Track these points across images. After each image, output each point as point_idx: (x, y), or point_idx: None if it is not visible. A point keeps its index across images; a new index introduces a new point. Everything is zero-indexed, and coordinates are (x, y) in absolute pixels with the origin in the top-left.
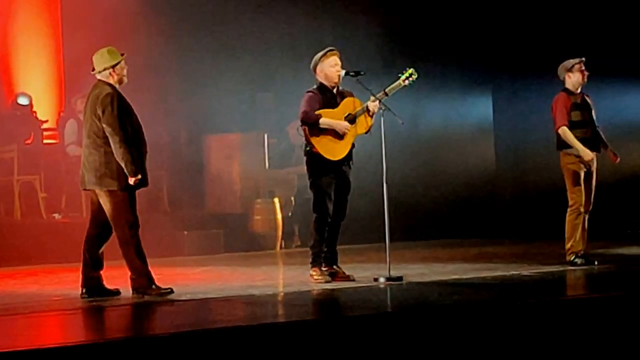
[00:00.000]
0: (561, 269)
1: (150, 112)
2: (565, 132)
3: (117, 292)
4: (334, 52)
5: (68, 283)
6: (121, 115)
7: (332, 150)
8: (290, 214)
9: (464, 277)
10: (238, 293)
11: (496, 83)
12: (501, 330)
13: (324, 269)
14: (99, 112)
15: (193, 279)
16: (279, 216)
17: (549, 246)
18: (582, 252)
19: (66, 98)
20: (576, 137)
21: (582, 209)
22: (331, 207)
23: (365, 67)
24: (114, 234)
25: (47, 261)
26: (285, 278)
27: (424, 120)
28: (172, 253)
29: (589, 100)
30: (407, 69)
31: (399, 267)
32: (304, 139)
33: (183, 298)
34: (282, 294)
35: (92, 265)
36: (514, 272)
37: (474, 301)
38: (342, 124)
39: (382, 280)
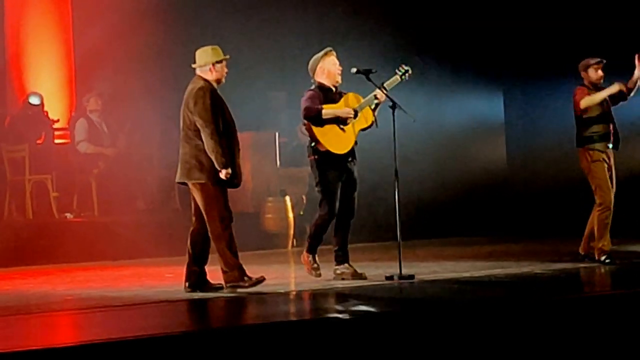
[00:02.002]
0: (573, 266)
1: (161, 110)
2: (586, 101)
3: (220, 287)
4: (333, 51)
5: (80, 282)
6: (214, 109)
7: (338, 144)
8: (301, 213)
9: (476, 275)
10: (249, 291)
11: (507, 81)
12: (514, 328)
13: (337, 266)
14: (191, 104)
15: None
16: (291, 215)
17: (560, 243)
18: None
19: (77, 97)
20: (595, 132)
21: (610, 208)
22: (337, 206)
23: (377, 66)
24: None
25: (59, 260)
26: (297, 277)
27: (435, 119)
28: (183, 252)
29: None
30: (404, 66)
31: (411, 265)
32: (308, 137)
33: (195, 297)
34: (294, 292)
35: (195, 259)
36: (526, 270)
37: (486, 299)
38: (345, 110)
39: (394, 278)
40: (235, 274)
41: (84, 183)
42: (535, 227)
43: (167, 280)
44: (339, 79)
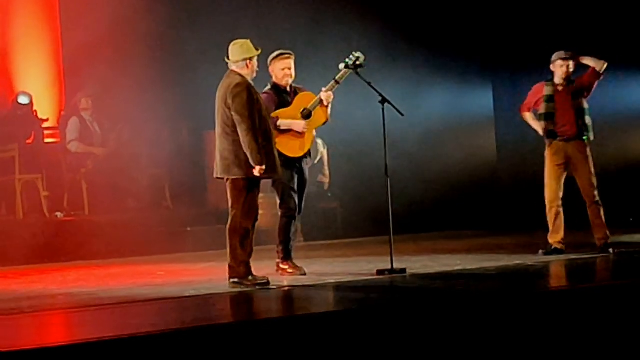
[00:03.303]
0: (564, 258)
1: (150, 108)
2: (523, 116)
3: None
4: (287, 56)
5: (72, 281)
6: (250, 105)
7: (294, 148)
8: None
9: (468, 268)
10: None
11: (496, 74)
12: (506, 320)
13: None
14: (229, 100)
15: (196, 275)
16: None
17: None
18: (558, 244)
19: (66, 97)
20: (544, 128)
21: (552, 203)
22: (296, 201)
23: (366, 59)
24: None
25: (50, 260)
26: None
27: (425, 112)
28: (175, 249)
29: (578, 87)
30: (354, 53)
31: (403, 260)
32: None
33: (186, 294)
34: (285, 288)
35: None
36: (518, 262)
37: (478, 292)
38: (299, 124)
39: (385, 272)
40: (241, 270)
41: (74, 182)
42: (526, 220)
43: (159, 278)
44: (287, 82)
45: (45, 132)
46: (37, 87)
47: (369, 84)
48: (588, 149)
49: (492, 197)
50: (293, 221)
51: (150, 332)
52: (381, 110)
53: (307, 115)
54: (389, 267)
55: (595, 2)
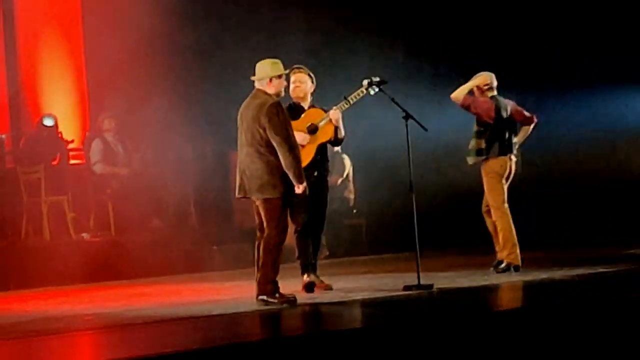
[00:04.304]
0: (590, 271)
1: (176, 127)
2: None
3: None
4: (293, 71)
5: (99, 302)
6: (288, 125)
7: None
8: None
9: (494, 283)
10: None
11: (518, 89)
12: (534, 334)
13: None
14: (264, 121)
15: (223, 293)
16: None
17: (576, 250)
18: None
19: (91, 118)
20: None
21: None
22: (305, 216)
23: (387, 77)
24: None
25: (77, 281)
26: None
27: (448, 127)
28: (201, 268)
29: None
30: (374, 78)
31: (429, 275)
32: None
33: (214, 313)
34: (312, 306)
35: None
36: (544, 277)
37: (505, 307)
38: (301, 136)
39: (412, 288)
40: (269, 288)
41: (99, 203)
42: (551, 234)
43: (186, 297)
44: (297, 95)
45: (71, 153)
46: (62, 108)
47: (393, 100)
48: (482, 169)
49: (518, 211)
50: (305, 235)
51: (179, 351)
52: (405, 126)
53: (312, 130)
54: (416, 282)
55: (607, 18)
